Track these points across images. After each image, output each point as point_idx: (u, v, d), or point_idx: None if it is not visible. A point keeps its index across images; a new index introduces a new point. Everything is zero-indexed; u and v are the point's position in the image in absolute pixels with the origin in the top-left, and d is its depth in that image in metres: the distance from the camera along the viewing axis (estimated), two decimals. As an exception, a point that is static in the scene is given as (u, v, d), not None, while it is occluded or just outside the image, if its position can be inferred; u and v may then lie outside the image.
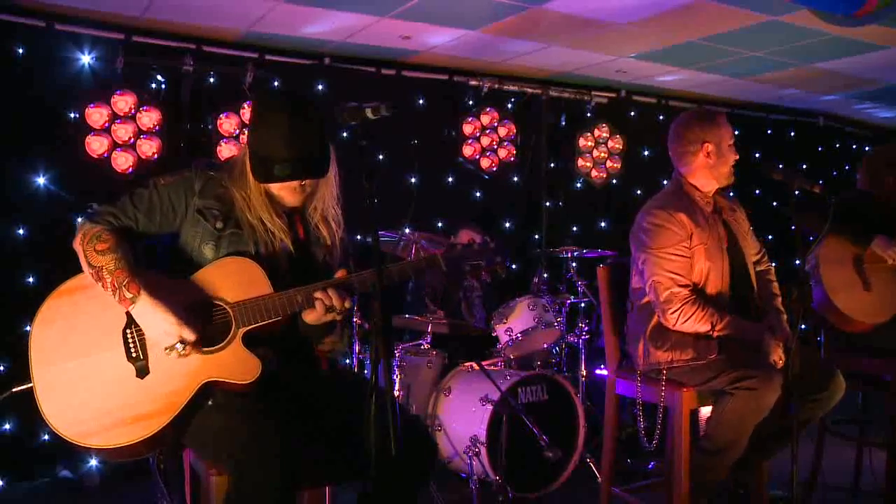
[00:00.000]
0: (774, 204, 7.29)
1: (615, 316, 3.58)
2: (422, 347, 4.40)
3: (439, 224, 5.79)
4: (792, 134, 7.68)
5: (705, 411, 3.32)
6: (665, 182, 3.71)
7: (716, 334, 3.16)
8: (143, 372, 2.25)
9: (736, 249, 3.36)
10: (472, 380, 4.18)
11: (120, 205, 2.38)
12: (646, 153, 6.81)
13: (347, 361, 4.32)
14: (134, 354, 2.25)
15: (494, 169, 6.11)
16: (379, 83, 5.52)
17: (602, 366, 4.75)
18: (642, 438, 3.44)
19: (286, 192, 2.41)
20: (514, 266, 6.16)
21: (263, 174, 2.35)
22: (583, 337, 4.73)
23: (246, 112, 4.96)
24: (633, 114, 6.70)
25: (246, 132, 2.42)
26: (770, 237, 7.14)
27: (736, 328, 3.15)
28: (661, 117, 6.74)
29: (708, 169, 3.35)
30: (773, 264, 3.58)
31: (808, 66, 5.74)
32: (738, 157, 3.38)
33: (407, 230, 4.26)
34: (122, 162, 4.67)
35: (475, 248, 2.47)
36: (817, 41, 5.03)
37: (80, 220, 2.38)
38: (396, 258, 4.16)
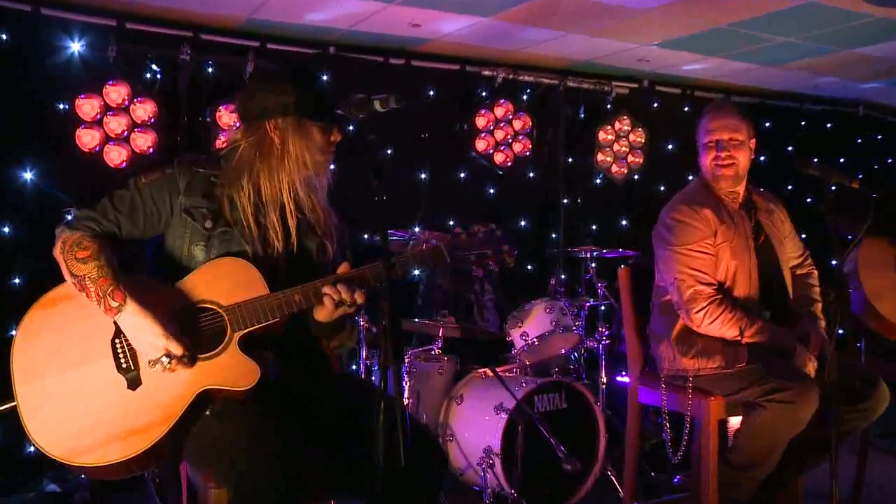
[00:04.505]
0: (809, 200, 7.23)
1: (637, 319, 3.56)
2: (432, 353, 4.38)
3: (450, 222, 5.75)
4: (828, 125, 7.58)
5: (734, 422, 3.28)
6: (690, 178, 3.69)
7: (745, 340, 3.13)
8: (134, 383, 2.23)
9: (766, 249, 3.33)
10: (485, 387, 4.16)
11: (99, 209, 2.36)
12: (669, 147, 6.76)
13: (354, 367, 4.30)
14: (125, 365, 2.24)
15: (509, 164, 6.08)
16: (387, 73, 5.49)
17: (623, 372, 4.73)
18: (667, 450, 3.41)
19: (326, 146, 2.42)
20: (529, 267, 6.13)
21: (323, 115, 2.38)
22: (603, 342, 4.70)
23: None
24: (656, 105, 6.65)
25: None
26: (804, 236, 7.08)
27: (767, 335, 3.11)
28: (686, 108, 6.69)
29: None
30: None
31: (848, 52, 5.65)
32: (716, 153, 3.29)
33: (416, 229, 4.24)
34: (116, 156, 4.66)
35: (479, 235, 2.45)
36: (859, 24, 4.95)
37: (58, 228, 2.36)
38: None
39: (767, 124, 6.98)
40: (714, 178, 3.34)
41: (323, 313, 2.34)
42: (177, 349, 2.20)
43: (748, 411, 3.08)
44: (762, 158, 6.69)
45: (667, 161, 6.72)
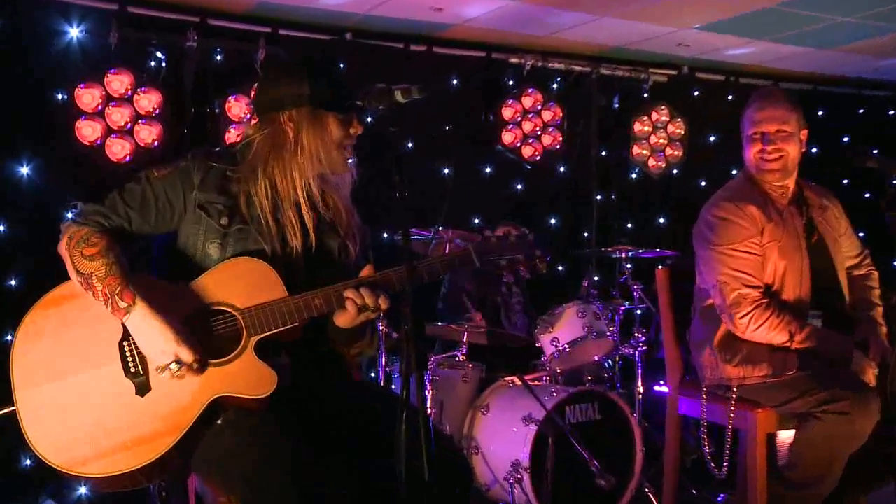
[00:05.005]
0: (867, 196, 7.15)
1: (676, 324, 3.57)
2: (456, 359, 4.39)
3: (475, 220, 5.78)
4: (890, 112, 7.50)
5: (785, 436, 3.26)
6: (734, 172, 3.67)
7: (795, 346, 3.11)
8: (143, 389, 2.25)
9: (819, 248, 3.31)
10: (513, 396, 4.17)
11: (109, 203, 2.38)
12: (711, 139, 6.74)
13: (373, 375, 4.32)
14: (133, 370, 2.25)
15: (538, 158, 6.09)
16: (407, 61, 5.52)
17: (662, 381, 4.71)
18: (710, 465, 3.39)
19: (344, 139, 2.43)
20: (560, 268, 6.13)
21: (341, 106, 2.40)
22: (639, 348, 4.69)
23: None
24: (696, 94, 6.63)
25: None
26: (862, 234, 7.01)
27: (820, 340, 3.10)
28: (729, 97, 6.66)
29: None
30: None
31: (914, 31, 5.57)
32: (761, 146, 3.28)
33: (439, 228, 4.25)
34: (118, 150, 4.71)
35: (511, 239, 2.46)
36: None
37: (64, 222, 2.38)
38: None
39: (821, 112, 6.93)
40: (759, 172, 3.32)
41: (344, 318, 2.36)
42: (187, 355, 2.21)
43: (801, 424, 3.06)
44: (814, 150, 6.61)
45: (708, 154, 6.69)
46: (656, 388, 4.97)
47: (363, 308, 2.31)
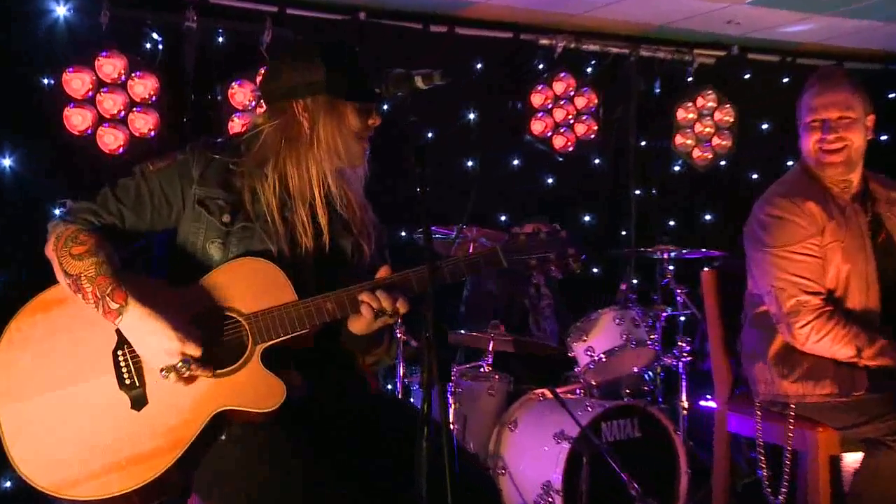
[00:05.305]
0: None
1: (725, 333, 3.56)
2: (481, 370, 4.39)
3: (502, 218, 5.78)
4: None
5: (852, 459, 3.23)
6: (790, 164, 3.65)
7: (864, 363, 3.08)
8: (139, 402, 2.25)
9: (888, 250, 3.27)
10: (543, 411, 4.16)
11: (100, 199, 2.39)
12: (764, 127, 6.70)
13: (390, 387, 4.33)
14: (128, 381, 2.26)
15: (570, 149, 6.08)
16: (427, 44, 5.52)
17: (709, 396, 4.69)
18: (765, 490, 3.37)
19: (363, 130, 2.44)
20: (595, 270, 6.12)
21: (361, 95, 2.41)
22: (683, 359, 4.67)
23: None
24: (747, 77, 6.59)
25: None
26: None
27: (893, 356, 3.07)
28: (785, 80, 6.61)
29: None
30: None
31: None
32: (821, 135, 3.24)
33: (462, 225, 4.25)
34: (111, 140, 4.73)
35: (542, 237, 2.45)
36: None
37: (51, 221, 2.39)
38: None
39: (892, 95, 6.87)
40: (818, 165, 3.29)
41: (359, 324, 2.36)
42: (194, 350, 2.22)
43: (870, 450, 3.03)
44: (883, 138, 6.55)
45: (761, 144, 6.66)
46: (702, 402, 4.94)
47: (380, 313, 2.31)
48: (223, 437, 2.27)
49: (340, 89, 2.41)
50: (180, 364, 2.21)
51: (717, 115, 6.51)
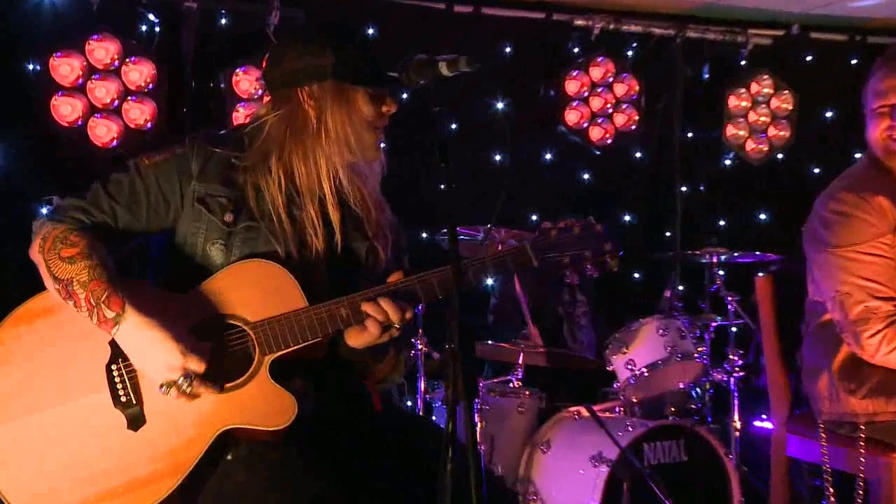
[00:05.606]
0: None
1: (783, 345, 3.54)
2: (510, 385, 4.40)
3: (532, 218, 5.77)
4: None
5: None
6: (857, 156, 3.63)
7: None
8: (137, 421, 2.25)
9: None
10: (579, 431, 4.17)
11: (90, 196, 2.39)
12: (828, 115, 6.67)
13: (410, 404, 4.33)
14: (123, 398, 2.26)
15: (609, 141, 6.09)
16: (450, 25, 5.54)
17: (764, 415, 4.67)
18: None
19: (376, 118, 2.44)
20: (636, 275, 6.11)
21: (371, 79, 2.41)
22: (735, 374, 4.66)
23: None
24: (809, 59, 6.56)
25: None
26: None
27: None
28: (853, 62, 6.57)
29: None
30: None
31: None
32: (890, 122, 3.20)
33: (489, 226, 4.25)
34: (103, 132, 4.78)
35: (575, 231, 2.45)
36: None
37: (37, 220, 2.39)
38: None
39: None
40: (887, 155, 3.27)
41: (360, 338, 2.35)
42: (197, 365, 2.21)
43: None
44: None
45: (823, 134, 6.63)
46: (757, 423, 4.94)
47: (386, 324, 2.31)
48: (229, 458, 2.28)
49: (349, 73, 2.40)
50: (181, 380, 2.20)
51: (774, 103, 6.49)
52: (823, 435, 3.29)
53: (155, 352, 2.21)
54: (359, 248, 2.53)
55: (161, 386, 2.21)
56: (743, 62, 6.38)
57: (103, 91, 4.77)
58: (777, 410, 3.54)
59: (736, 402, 4.67)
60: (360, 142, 2.44)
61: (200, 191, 2.41)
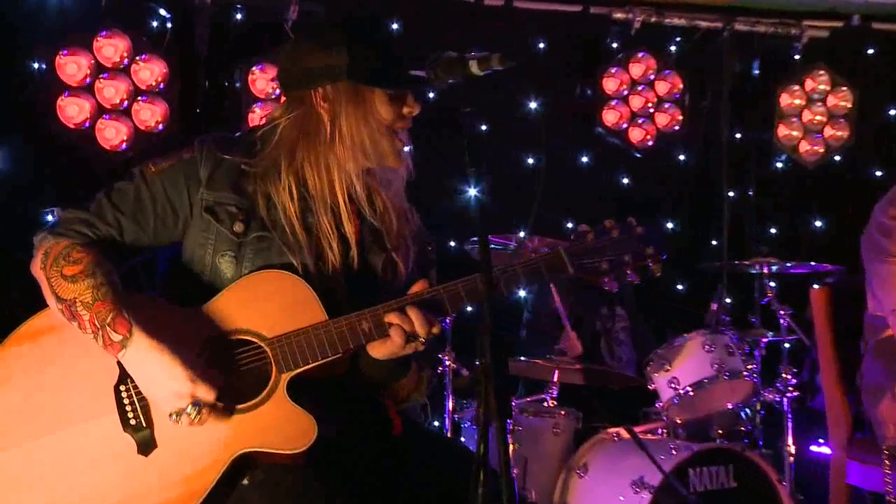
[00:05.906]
0: None
1: (841, 363, 3.51)
2: (545, 404, 4.40)
3: (568, 225, 5.75)
4: None
5: None
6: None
7: None
8: (147, 446, 2.25)
9: None
10: (619, 454, 4.16)
11: (94, 208, 2.40)
12: (891, 113, 6.61)
13: (437, 423, 4.33)
14: (133, 421, 2.27)
15: (650, 143, 6.09)
16: (480, 20, 5.56)
17: (822, 439, 4.64)
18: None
19: (396, 120, 2.44)
20: (680, 286, 6.09)
21: (391, 79, 2.40)
22: (789, 394, 4.63)
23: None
24: (870, 52, 6.52)
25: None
26: None
27: None
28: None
29: None
30: None
31: None
32: None
33: (522, 234, 4.26)
34: (111, 134, 4.81)
35: (614, 235, 2.44)
36: None
37: (38, 234, 2.39)
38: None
39: None
40: None
41: (383, 349, 2.35)
42: (207, 394, 2.22)
43: None
44: None
45: (886, 134, 6.59)
46: (814, 447, 4.92)
47: (411, 336, 2.31)
48: (245, 482, 2.28)
49: (364, 73, 2.39)
50: (190, 408, 2.21)
51: (831, 101, 6.45)
52: (887, 462, 3.28)
53: (163, 378, 2.21)
54: (375, 262, 2.52)
55: (170, 415, 2.21)
56: (797, 56, 6.34)
57: (112, 91, 4.81)
58: (835, 434, 3.52)
59: (790, 424, 4.64)
60: (376, 147, 2.43)
61: (209, 199, 2.41)
